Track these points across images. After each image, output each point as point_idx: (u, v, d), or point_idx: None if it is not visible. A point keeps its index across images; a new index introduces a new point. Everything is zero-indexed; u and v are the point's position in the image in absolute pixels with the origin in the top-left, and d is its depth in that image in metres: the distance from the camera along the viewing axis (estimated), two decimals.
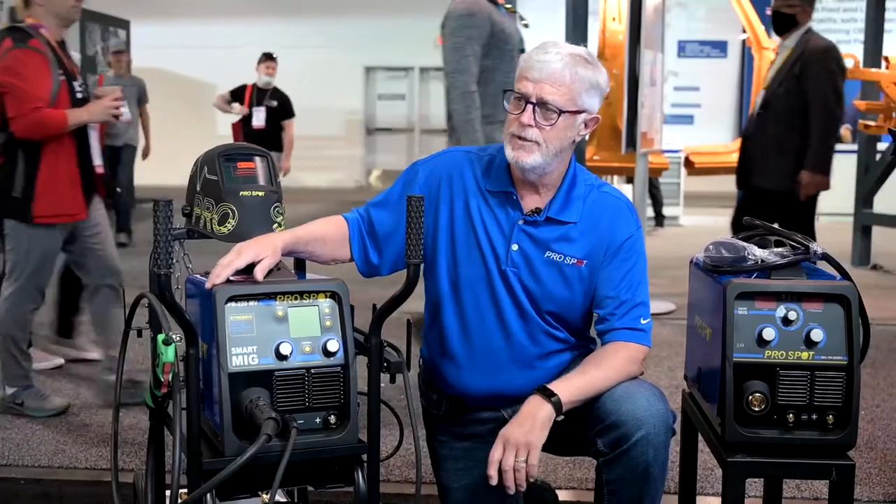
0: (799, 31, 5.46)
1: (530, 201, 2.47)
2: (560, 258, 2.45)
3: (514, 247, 2.46)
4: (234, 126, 10.13)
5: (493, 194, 2.48)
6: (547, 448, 2.62)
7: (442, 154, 2.59)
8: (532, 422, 2.26)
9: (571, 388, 2.32)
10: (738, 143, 9.40)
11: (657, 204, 11.89)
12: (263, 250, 2.19)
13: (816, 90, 5.30)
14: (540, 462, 2.29)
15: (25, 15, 4.16)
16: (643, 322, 2.45)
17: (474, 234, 2.48)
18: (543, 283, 2.46)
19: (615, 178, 11.26)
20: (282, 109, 10.09)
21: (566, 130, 2.39)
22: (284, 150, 9.98)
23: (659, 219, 11.96)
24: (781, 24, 5.52)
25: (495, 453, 2.26)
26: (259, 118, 9.92)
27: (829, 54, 5.40)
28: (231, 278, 2.12)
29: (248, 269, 2.15)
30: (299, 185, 16.99)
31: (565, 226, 2.46)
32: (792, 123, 5.39)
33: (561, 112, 2.36)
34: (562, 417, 2.29)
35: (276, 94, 10.12)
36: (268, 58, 10.19)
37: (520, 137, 2.37)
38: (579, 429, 2.37)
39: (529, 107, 2.35)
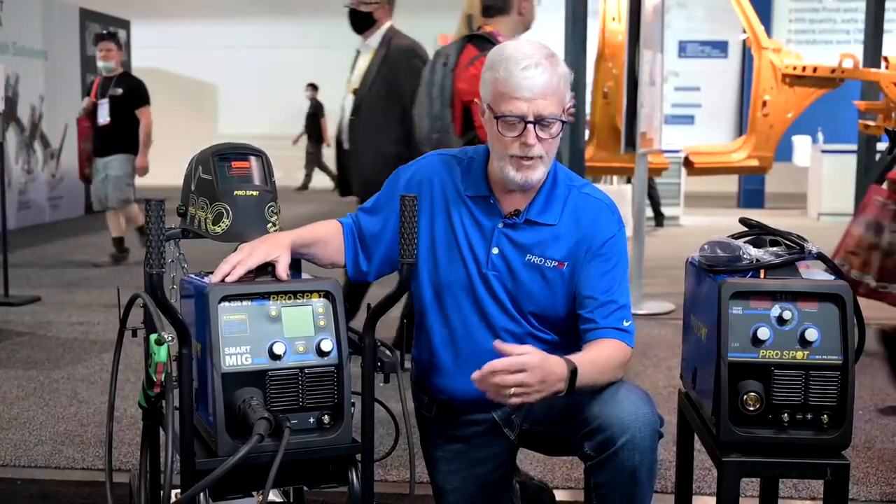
0: (380, 30, 5.09)
1: (510, 203, 2.45)
2: (541, 261, 2.43)
3: (495, 250, 2.44)
4: (80, 124, 8.51)
5: (473, 199, 2.47)
6: (537, 448, 2.62)
7: (423, 159, 2.58)
8: (548, 385, 2.18)
9: (585, 378, 2.25)
10: (739, 142, 9.42)
11: (655, 203, 11.87)
12: (275, 250, 2.20)
13: (410, 91, 4.77)
14: (537, 462, 2.28)
15: (483, 22, 4.22)
16: (626, 324, 2.42)
17: (455, 239, 2.46)
18: (525, 286, 2.44)
19: (615, 178, 11.28)
20: (130, 97, 8.30)
21: (560, 133, 2.39)
22: (140, 144, 8.31)
23: (658, 218, 11.95)
24: (359, 22, 5.13)
25: (502, 365, 2.13)
26: (102, 113, 8.23)
27: (415, 53, 5.06)
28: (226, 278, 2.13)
29: (255, 271, 2.17)
30: (296, 185, 17.01)
31: (545, 228, 2.44)
32: (387, 127, 5.00)
33: (562, 122, 2.35)
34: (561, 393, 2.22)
35: (124, 80, 8.40)
36: (102, 38, 8.58)
37: (525, 157, 2.34)
38: (566, 431, 2.35)
39: (530, 126, 2.32)
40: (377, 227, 2.50)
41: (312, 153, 17.25)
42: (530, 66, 2.31)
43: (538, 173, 2.37)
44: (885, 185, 5.09)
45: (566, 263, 2.43)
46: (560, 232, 2.44)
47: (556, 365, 2.20)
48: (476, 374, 2.15)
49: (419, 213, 2.46)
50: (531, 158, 2.34)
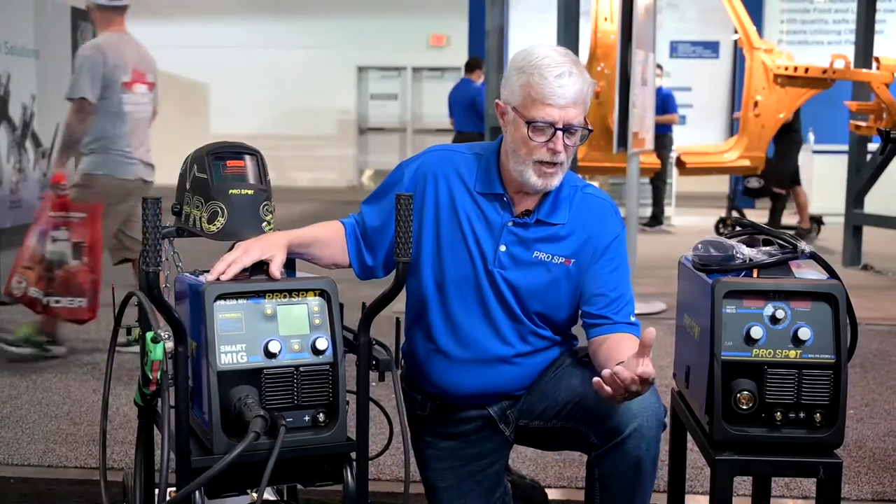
0: None
1: (520, 204, 2.48)
2: (548, 257, 2.46)
3: (502, 248, 2.46)
4: None
5: (483, 195, 2.48)
6: (533, 444, 2.62)
7: (427, 152, 2.58)
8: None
9: None
10: (731, 142, 9.44)
11: (657, 205, 11.76)
12: (270, 248, 2.21)
13: None
14: (529, 461, 2.29)
15: None
16: (633, 319, 2.48)
17: (461, 234, 2.47)
18: (530, 282, 2.46)
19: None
20: None
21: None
22: None
23: (655, 219, 11.84)
24: None
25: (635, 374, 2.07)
26: None
27: None
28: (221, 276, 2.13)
29: (251, 269, 2.17)
30: (291, 184, 17.00)
31: (553, 227, 2.47)
32: None
33: (588, 130, 2.40)
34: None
35: None
36: None
37: (550, 163, 2.37)
38: (568, 423, 2.37)
39: (559, 133, 2.34)
40: (379, 221, 2.50)
41: None
42: (564, 73, 2.33)
43: (557, 180, 2.41)
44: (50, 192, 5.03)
45: (573, 260, 2.47)
46: (568, 231, 2.48)
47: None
48: (625, 375, 2.05)
49: (424, 207, 2.48)
50: (555, 165, 2.37)
